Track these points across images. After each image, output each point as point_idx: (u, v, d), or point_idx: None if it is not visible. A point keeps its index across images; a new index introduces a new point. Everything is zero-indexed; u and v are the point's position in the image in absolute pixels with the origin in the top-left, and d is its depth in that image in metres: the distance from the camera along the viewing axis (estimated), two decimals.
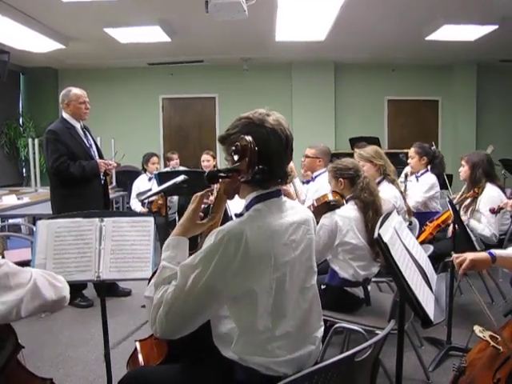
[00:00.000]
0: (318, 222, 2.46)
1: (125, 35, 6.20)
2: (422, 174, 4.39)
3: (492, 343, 1.64)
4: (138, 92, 8.58)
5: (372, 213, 2.56)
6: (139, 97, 8.61)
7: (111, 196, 5.31)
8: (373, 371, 1.58)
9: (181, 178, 3.87)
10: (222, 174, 1.40)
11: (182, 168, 5.96)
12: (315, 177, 3.93)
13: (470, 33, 6.12)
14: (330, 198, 2.65)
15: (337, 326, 2.39)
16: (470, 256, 1.83)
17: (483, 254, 1.87)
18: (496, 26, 5.79)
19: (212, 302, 1.35)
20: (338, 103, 8.51)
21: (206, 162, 5.70)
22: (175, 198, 5.67)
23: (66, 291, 1.56)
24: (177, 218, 5.63)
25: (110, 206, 4.42)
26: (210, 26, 5.80)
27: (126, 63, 8.21)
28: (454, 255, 1.88)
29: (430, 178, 4.29)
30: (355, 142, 7.12)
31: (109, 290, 3.90)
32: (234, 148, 1.39)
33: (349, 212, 2.60)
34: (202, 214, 1.57)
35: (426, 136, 8.55)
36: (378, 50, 7.38)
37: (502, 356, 1.60)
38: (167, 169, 6.29)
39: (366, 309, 2.57)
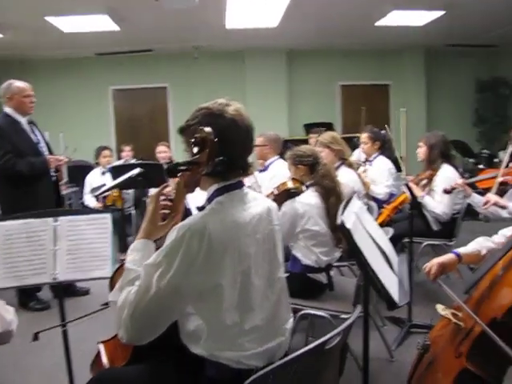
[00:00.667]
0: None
1: (69, 24, 5.94)
2: (374, 158, 4.49)
3: (454, 320, 1.69)
4: (86, 83, 8.25)
5: (334, 199, 2.57)
6: (88, 88, 8.28)
7: (63, 193, 5.12)
8: (341, 356, 1.59)
9: (136, 170, 3.78)
10: (181, 168, 1.36)
11: (135, 160, 5.82)
12: (268, 165, 3.94)
13: (418, 18, 6.28)
14: (290, 185, 2.65)
15: (302, 312, 2.40)
16: (436, 260, 1.89)
17: (449, 256, 1.93)
18: (443, 12, 5.95)
19: (178, 300, 1.32)
20: (291, 90, 8.53)
21: (163, 153, 5.59)
22: (130, 192, 5.54)
23: (14, 325, 1.51)
24: (133, 213, 5.50)
25: (62, 203, 4.26)
26: (159, 14, 5.66)
27: (73, 53, 7.87)
28: (424, 266, 1.93)
29: (386, 164, 4.39)
30: (309, 127, 7.18)
31: (66, 290, 3.77)
32: (193, 140, 1.35)
33: (309, 199, 2.60)
34: (167, 210, 1.52)
35: (378, 120, 8.75)
36: (330, 36, 7.43)
37: (463, 331, 1.65)
38: (120, 161, 6.14)
39: (329, 294, 2.60)
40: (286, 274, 2.52)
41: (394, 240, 3.57)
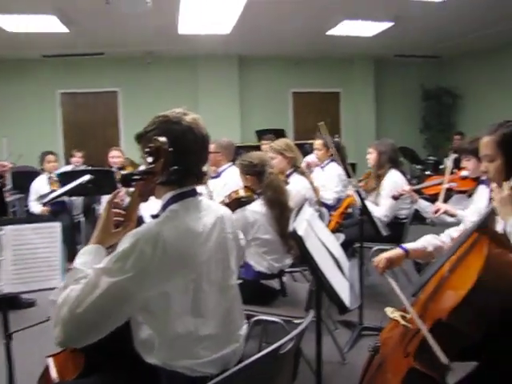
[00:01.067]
0: None
1: (13, 23, 5.69)
2: (326, 164, 4.61)
3: (402, 322, 1.74)
4: (32, 87, 7.95)
5: (278, 209, 2.59)
6: (34, 92, 7.98)
7: (7, 200, 4.91)
8: (295, 360, 1.62)
9: (86, 177, 3.68)
10: (136, 177, 1.35)
11: (84, 167, 5.68)
12: (220, 172, 3.94)
13: (367, 29, 6.47)
14: (242, 194, 2.66)
15: (255, 318, 2.41)
16: (385, 255, 1.95)
17: (397, 251, 1.99)
18: (392, 23, 6.16)
19: (123, 305, 1.29)
20: (243, 96, 8.57)
21: (116, 158, 5.47)
22: (79, 199, 5.38)
23: None
24: (82, 220, 5.34)
25: (6, 210, 4.08)
26: (110, 17, 5.55)
27: (18, 55, 7.57)
28: (373, 260, 1.98)
29: (336, 170, 4.49)
30: (261, 134, 7.23)
31: (10, 302, 3.60)
32: (148, 150, 1.35)
33: (259, 207, 2.62)
34: (120, 218, 1.50)
35: (329, 127, 8.92)
36: (282, 43, 7.52)
37: (411, 332, 1.69)
38: (68, 168, 5.96)
39: (282, 299, 2.62)
40: (240, 281, 2.55)
41: (345, 245, 3.65)
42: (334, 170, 4.49)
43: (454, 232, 2.05)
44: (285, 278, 2.72)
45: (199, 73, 8.34)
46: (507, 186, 1.60)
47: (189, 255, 1.37)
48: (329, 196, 4.36)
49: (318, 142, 4.62)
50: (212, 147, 3.91)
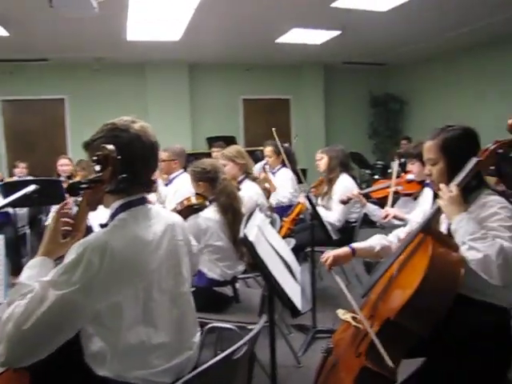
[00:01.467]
0: None
1: None
2: (278, 170, 4.68)
3: (353, 323, 1.78)
4: None
5: (231, 215, 2.60)
6: None
7: None
8: (249, 365, 1.62)
9: (31, 187, 3.54)
10: (83, 186, 1.32)
11: (30, 177, 5.46)
12: (172, 179, 3.91)
13: (316, 37, 6.61)
14: (194, 201, 2.65)
15: (209, 326, 2.39)
16: (332, 253, 2.01)
17: (344, 249, 2.06)
18: (339, 32, 6.33)
19: (72, 318, 1.26)
20: (193, 103, 8.52)
21: (65, 166, 5.35)
22: (24, 210, 5.17)
23: None
24: (27, 232, 5.13)
25: None
26: (54, 21, 5.34)
27: None
28: (321, 257, 2.04)
29: (288, 174, 4.56)
30: (212, 141, 7.23)
31: None
32: (95, 158, 1.33)
33: (212, 214, 2.61)
34: (69, 228, 1.46)
35: (279, 133, 9.02)
36: (232, 50, 7.56)
37: (362, 332, 1.75)
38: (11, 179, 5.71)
39: (236, 306, 2.62)
40: (192, 289, 2.53)
41: (297, 250, 3.69)
42: (286, 175, 4.56)
43: (401, 233, 2.12)
44: (238, 285, 2.72)
45: (149, 80, 8.22)
46: (455, 186, 1.65)
47: (138, 264, 1.35)
48: (283, 194, 4.42)
49: (268, 149, 4.69)
50: (166, 155, 3.89)
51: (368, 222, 3.89)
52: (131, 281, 1.33)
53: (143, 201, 1.48)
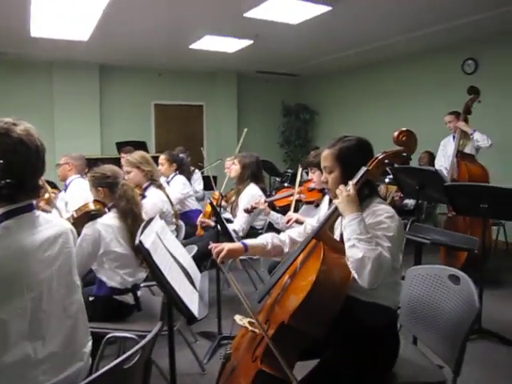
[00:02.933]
0: (79, 233, 2.36)
1: None
2: (172, 178, 4.67)
3: (250, 328, 1.82)
4: None
5: (131, 221, 2.55)
6: None
7: None
8: (145, 374, 1.59)
9: None
10: None
11: None
12: (68, 184, 3.78)
13: (229, 45, 6.65)
14: (91, 207, 2.57)
15: (109, 336, 2.32)
16: (226, 246, 2.00)
17: (237, 244, 2.07)
18: (251, 41, 6.43)
19: None
20: (103, 107, 8.22)
21: None
22: None
23: None
24: None
25: None
26: None
27: None
28: (213, 244, 2.02)
29: (181, 179, 4.62)
30: (122, 146, 7.03)
31: None
32: None
33: (111, 220, 2.55)
34: None
35: (191, 139, 9.01)
36: (145, 54, 7.41)
37: (259, 337, 1.78)
38: None
39: (138, 314, 2.57)
40: (91, 298, 2.45)
41: (204, 256, 3.71)
42: (181, 179, 4.61)
43: (292, 232, 2.18)
44: (140, 292, 2.66)
45: (55, 80, 7.78)
46: (353, 186, 1.71)
47: (23, 275, 1.29)
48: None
49: (161, 158, 4.68)
50: (62, 159, 3.75)
51: (274, 229, 3.99)
52: (16, 293, 1.26)
53: (30, 207, 1.41)
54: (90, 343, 1.57)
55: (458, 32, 5.98)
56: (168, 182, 4.61)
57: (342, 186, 1.74)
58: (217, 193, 3.99)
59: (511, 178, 4.65)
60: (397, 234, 1.69)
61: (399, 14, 5.38)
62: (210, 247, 2.01)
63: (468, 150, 4.80)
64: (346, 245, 1.64)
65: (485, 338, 3.34)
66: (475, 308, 1.77)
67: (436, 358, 1.95)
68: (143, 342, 1.44)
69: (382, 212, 1.73)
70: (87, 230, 2.45)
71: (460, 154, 4.70)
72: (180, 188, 4.51)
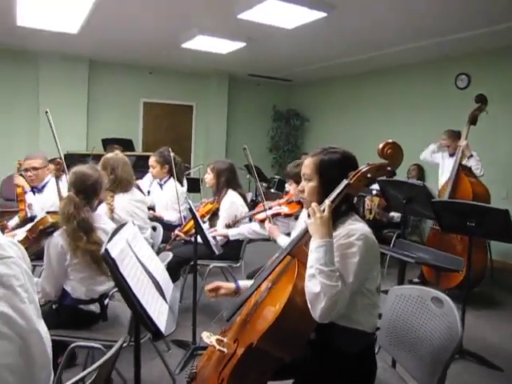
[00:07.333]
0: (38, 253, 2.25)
1: None
2: (165, 182, 4.45)
3: (218, 347, 1.71)
4: None
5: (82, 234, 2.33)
6: None
7: None
8: None
9: None
10: None
11: None
12: (42, 187, 3.61)
13: (221, 46, 6.56)
14: (48, 221, 2.45)
15: (73, 345, 2.20)
16: (221, 285, 2.05)
17: (231, 285, 2.07)
18: (244, 44, 6.35)
19: None
20: (91, 102, 8.07)
21: None
22: None
23: None
24: None
25: None
26: None
27: None
28: (207, 287, 2.05)
29: (178, 188, 4.35)
30: (108, 143, 6.90)
31: None
32: None
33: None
34: None
35: (180, 140, 8.90)
36: (136, 50, 7.28)
37: (227, 356, 1.67)
38: None
39: (106, 323, 2.44)
40: (55, 306, 2.32)
41: (181, 263, 3.61)
42: (173, 189, 4.31)
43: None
44: (107, 301, 2.52)
45: (42, 72, 7.61)
46: (328, 206, 1.60)
47: None
48: (173, 218, 4.27)
49: (152, 160, 4.40)
50: (40, 162, 3.58)
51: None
52: None
53: None
54: None
55: (451, 46, 5.98)
56: (161, 186, 4.44)
57: (315, 206, 1.61)
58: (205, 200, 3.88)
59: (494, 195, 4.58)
60: (367, 258, 1.61)
61: (394, 26, 5.35)
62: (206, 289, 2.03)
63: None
64: (307, 271, 1.56)
65: (465, 359, 3.27)
66: (458, 335, 1.68)
67: (414, 382, 1.87)
68: (101, 361, 1.34)
69: (354, 232, 1.62)
70: (48, 247, 2.30)
71: (462, 168, 4.48)
72: (173, 198, 4.27)
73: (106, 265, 1.50)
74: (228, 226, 3.52)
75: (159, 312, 1.65)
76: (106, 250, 1.48)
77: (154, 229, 3.50)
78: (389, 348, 2.06)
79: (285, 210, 3.29)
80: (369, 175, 1.69)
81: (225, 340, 1.75)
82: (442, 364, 1.68)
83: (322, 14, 4.81)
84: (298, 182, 1.86)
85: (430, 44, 5.92)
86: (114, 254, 1.50)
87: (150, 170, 4.45)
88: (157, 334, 1.56)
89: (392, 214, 5.49)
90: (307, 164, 1.80)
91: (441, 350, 1.73)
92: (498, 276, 5.22)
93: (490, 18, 4.85)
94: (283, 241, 2.98)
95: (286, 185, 3.23)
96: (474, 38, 5.52)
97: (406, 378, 1.95)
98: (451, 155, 4.95)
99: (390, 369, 2.13)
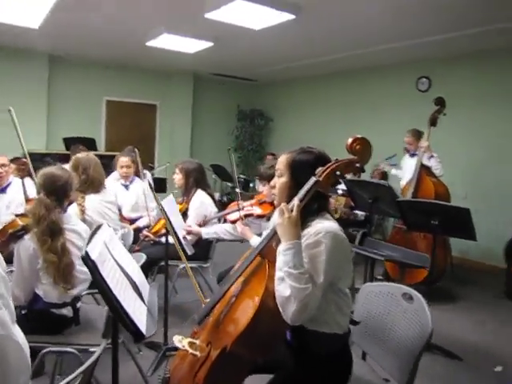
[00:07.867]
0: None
1: None
2: (131, 182, 4.41)
3: (190, 350, 1.68)
4: None
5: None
6: None
7: None
8: None
9: None
10: None
11: None
12: (5, 187, 3.51)
13: (188, 45, 6.51)
14: (18, 224, 2.38)
15: (44, 351, 2.15)
16: None
17: None
18: (211, 43, 6.33)
19: None
20: (52, 99, 7.84)
21: None
22: None
23: None
24: None
25: None
26: None
27: None
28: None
29: (141, 186, 4.36)
30: (70, 142, 6.71)
31: None
32: None
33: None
34: None
35: (144, 139, 8.78)
36: (98, 47, 7.13)
37: (200, 360, 1.66)
38: None
39: (79, 326, 2.40)
40: (24, 311, 2.26)
41: (151, 263, 3.56)
42: (141, 189, 4.30)
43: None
44: (80, 304, 2.47)
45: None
46: (297, 206, 1.58)
47: None
48: (143, 223, 4.23)
49: (127, 159, 4.35)
50: (5, 159, 3.49)
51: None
52: None
53: None
54: None
55: (413, 50, 6.16)
56: (127, 186, 4.38)
57: (284, 206, 1.59)
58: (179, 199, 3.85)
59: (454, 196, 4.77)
60: (336, 255, 1.59)
61: (359, 30, 5.47)
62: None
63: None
64: (276, 274, 1.54)
65: (432, 352, 3.38)
66: (428, 329, 1.75)
67: (383, 372, 1.93)
68: (86, 365, 1.33)
69: (322, 230, 1.59)
70: (19, 250, 2.24)
71: (424, 169, 4.65)
72: (142, 198, 4.22)
73: (86, 267, 1.48)
74: (200, 225, 3.50)
75: (139, 313, 1.65)
76: (86, 252, 1.47)
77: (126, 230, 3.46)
78: (360, 341, 2.12)
79: (257, 210, 3.28)
80: (338, 172, 1.67)
81: (197, 342, 1.73)
82: (413, 357, 1.74)
83: (290, 16, 4.86)
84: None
85: (391, 48, 6.09)
86: (93, 257, 1.49)
87: (123, 169, 4.36)
88: (138, 335, 1.56)
89: (356, 211, 5.61)
90: (281, 160, 1.80)
91: (411, 343, 1.79)
92: (458, 271, 5.44)
93: (450, 25, 5.03)
94: (256, 242, 3.00)
95: (260, 185, 3.24)
96: (435, 43, 5.71)
97: (375, 368, 2.01)
98: (412, 155, 5.12)
99: (361, 361, 2.20)
